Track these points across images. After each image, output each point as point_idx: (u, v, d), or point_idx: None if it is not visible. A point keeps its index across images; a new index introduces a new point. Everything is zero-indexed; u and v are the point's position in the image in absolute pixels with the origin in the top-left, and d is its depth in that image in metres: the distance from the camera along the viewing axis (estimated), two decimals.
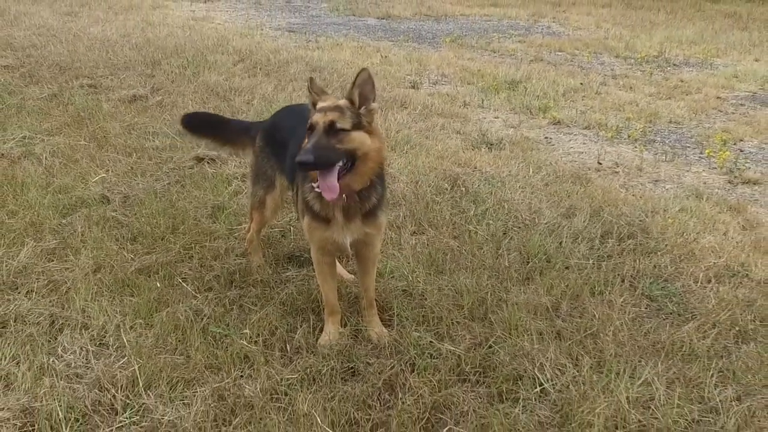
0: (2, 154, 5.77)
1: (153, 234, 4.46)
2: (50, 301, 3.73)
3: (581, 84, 8.58)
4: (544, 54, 10.42)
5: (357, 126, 3.15)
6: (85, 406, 2.97)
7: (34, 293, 3.79)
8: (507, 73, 8.87)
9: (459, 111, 7.42)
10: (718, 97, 8.26)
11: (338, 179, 3.07)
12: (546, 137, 6.78)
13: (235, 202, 4.98)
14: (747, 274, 4.27)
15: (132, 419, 2.94)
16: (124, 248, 4.30)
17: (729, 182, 5.79)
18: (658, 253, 4.44)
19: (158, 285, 3.85)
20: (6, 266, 4.03)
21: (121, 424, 2.91)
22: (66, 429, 2.81)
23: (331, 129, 3.09)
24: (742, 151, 6.49)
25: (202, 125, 4.41)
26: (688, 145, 6.65)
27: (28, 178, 5.26)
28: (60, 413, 2.87)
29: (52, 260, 4.16)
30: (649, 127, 7.09)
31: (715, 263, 4.35)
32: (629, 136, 6.74)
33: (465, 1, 15.61)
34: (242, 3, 14.91)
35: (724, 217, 5.07)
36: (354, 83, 3.20)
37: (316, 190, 3.15)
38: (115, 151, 5.93)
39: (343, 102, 3.20)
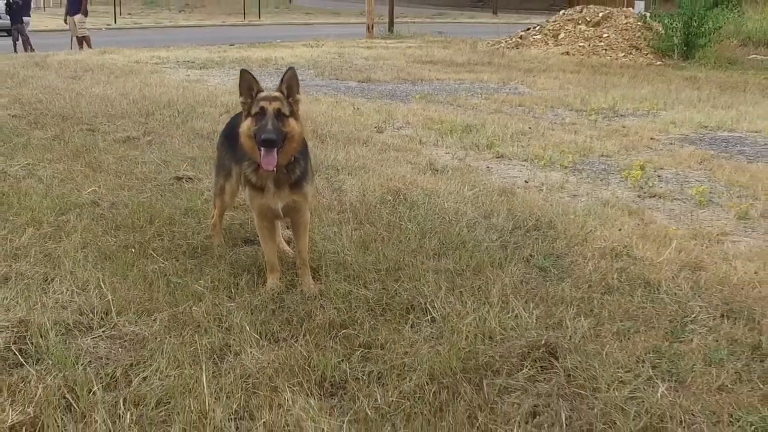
0: (9, 175, 6.68)
1: (133, 225, 5.34)
2: (45, 265, 4.58)
3: (529, 128, 9.54)
4: (504, 107, 11.43)
5: (291, 113, 4.10)
6: (68, 324, 3.81)
7: (31, 261, 4.65)
8: (464, 120, 9.85)
9: (414, 147, 8.36)
10: (651, 138, 9.20)
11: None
12: (488, 167, 7.68)
13: (205, 206, 5.85)
14: (628, 253, 5.10)
15: (105, 333, 3.77)
16: (108, 234, 5.18)
17: (638, 196, 6.66)
18: (557, 240, 5.30)
19: (133, 251, 4.72)
20: (9, 244, 4.90)
21: (95, 336, 3.75)
22: (52, 334, 3.64)
23: (278, 114, 4.03)
24: (659, 176, 7.36)
25: None
26: (612, 172, 7.54)
27: (31, 189, 6.17)
28: (48, 325, 3.71)
29: (48, 241, 5.03)
30: (582, 159, 8.00)
31: (603, 246, 5.19)
32: (561, 165, 7.64)
33: (443, 69, 16.76)
34: (235, 70, 16.03)
35: (624, 218, 5.91)
36: (282, 80, 4.15)
37: (261, 163, 4.07)
38: (107, 174, 6.85)
39: (279, 94, 4.14)
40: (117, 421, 3.01)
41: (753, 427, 3.12)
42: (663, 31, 20.03)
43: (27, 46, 22.76)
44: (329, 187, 6.61)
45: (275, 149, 4.01)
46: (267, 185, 4.24)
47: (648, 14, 23.05)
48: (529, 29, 22.77)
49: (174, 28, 43.36)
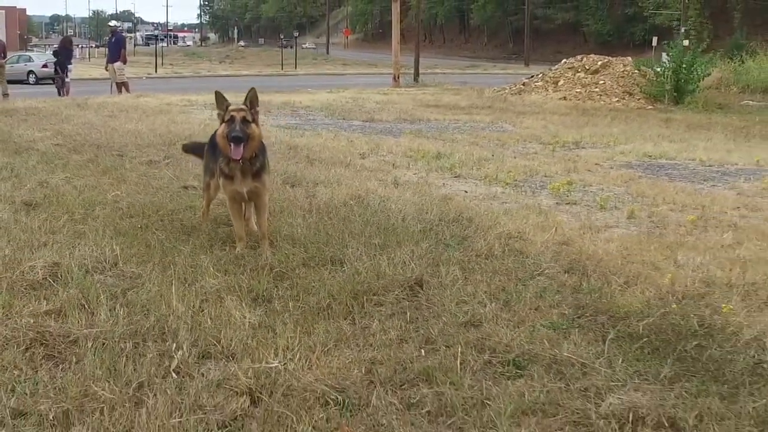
0: (50, 184, 8.40)
1: (143, 214, 6.99)
2: (74, 238, 6.22)
3: (492, 155, 11.09)
4: (481, 141, 13.00)
5: (253, 120, 5.73)
6: (87, 267, 5.43)
7: (64, 235, 6.30)
8: (437, 149, 11.45)
9: (387, 168, 9.96)
10: (595, 164, 10.69)
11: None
12: (443, 183, 9.24)
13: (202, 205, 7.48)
14: (521, 237, 6.60)
15: (113, 273, 5.39)
16: (123, 219, 6.84)
17: (556, 203, 8.17)
18: (468, 228, 6.82)
19: (140, 227, 6.38)
20: (48, 224, 6.55)
21: (106, 275, 5.36)
22: (76, 269, 5.26)
23: (243, 121, 5.66)
24: (585, 190, 8.87)
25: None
26: (546, 187, 9.05)
27: (67, 193, 7.87)
28: (73, 265, 5.33)
29: (78, 224, 6.68)
30: (526, 178, 9.53)
31: (501, 231, 6.70)
32: (504, 182, 9.17)
33: (444, 111, 18.46)
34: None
35: (533, 216, 7.41)
36: (247, 96, 5.78)
37: (231, 155, 5.67)
38: (128, 185, 8.54)
39: (244, 106, 5.77)
40: (114, 315, 4.59)
41: (540, 325, 4.61)
42: (654, 78, 21.57)
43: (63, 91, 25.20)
44: (305, 194, 8.21)
45: (242, 145, 5.63)
46: (236, 174, 5.86)
47: (646, 62, 24.64)
48: (532, 77, 24.49)
49: (212, 77, 45.81)
